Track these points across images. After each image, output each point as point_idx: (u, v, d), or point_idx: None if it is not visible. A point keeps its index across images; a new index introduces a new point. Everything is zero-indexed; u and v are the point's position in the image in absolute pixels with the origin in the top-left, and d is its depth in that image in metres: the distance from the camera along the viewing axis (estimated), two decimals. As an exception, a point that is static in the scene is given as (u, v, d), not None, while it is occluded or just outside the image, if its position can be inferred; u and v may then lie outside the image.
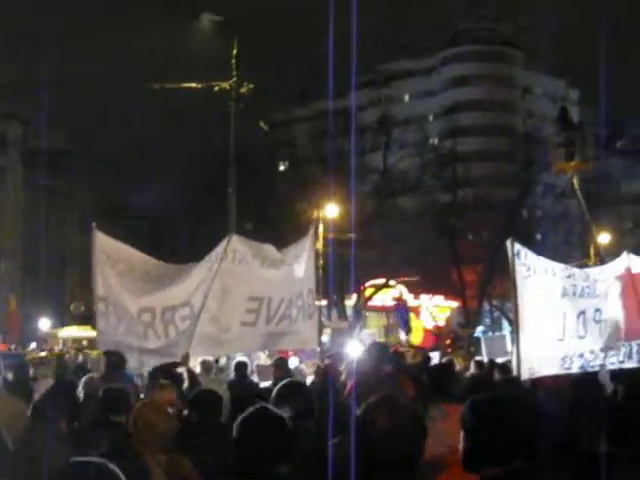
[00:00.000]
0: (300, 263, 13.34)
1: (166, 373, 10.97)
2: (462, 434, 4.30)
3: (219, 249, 12.58)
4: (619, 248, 12.83)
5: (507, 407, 4.32)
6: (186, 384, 11.60)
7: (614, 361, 11.52)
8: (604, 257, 31.68)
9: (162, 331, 12.15)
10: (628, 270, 11.80)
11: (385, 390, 6.72)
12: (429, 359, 17.03)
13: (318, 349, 16.59)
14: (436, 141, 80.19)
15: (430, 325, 56.17)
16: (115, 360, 11.26)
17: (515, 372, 10.41)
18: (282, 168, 64.19)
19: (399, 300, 50.80)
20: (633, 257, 12.13)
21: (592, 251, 45.03)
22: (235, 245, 12.72)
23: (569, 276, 11.24)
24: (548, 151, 59.39)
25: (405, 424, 4.23)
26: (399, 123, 69.63)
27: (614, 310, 11.69)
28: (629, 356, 11.63)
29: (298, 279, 13.27)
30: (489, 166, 76.23)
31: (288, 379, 8.29)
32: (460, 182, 64.21)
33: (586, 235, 46.06)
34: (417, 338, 46.88)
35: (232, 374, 14.86)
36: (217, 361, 17.40)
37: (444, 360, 20.05)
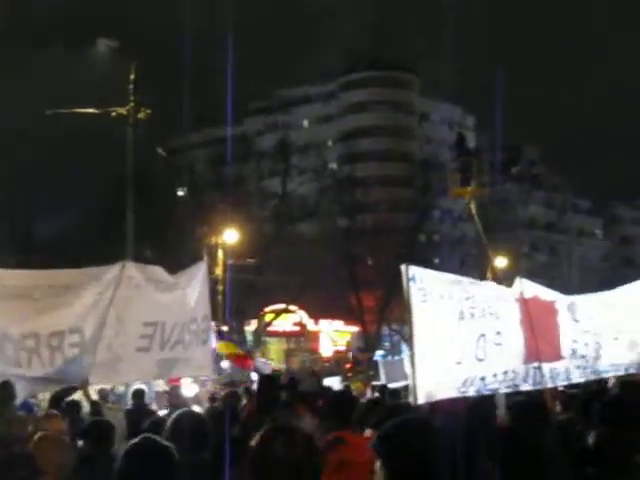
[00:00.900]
0: (194, 287, 13.18)
1: (61, 401, 10.76)
2: (377, 463, 4.25)
3: (109, 275, 12.29)
4: (516, 272, 13.01)
5: (417, 432, 4.29)
6: (86, 411, 11.41)
7: (510, 384, 11.59)
8: (501, 281, 32.08)
9: (47, 358, 11.61)
10: (522, 295, 11.94)
11: (282, 418, 6.66)
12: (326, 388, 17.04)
13: (213, 376, 16.44)
14: (335, 166, 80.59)
15: (330, 350, 56.38)
16: (3, 390, 10.90)
17: (411, 396, 10.40)
18: (181, 194, 63.84)
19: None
20: (525, 281, 12.25)
21: (489, 275, 45.63)
22: (130, 271, 12.49)
23: (468, 298, 11.26)
24: (445, 177, 60.26)
25: (303, 454, 4.15)
26: (298, 148, 69.74)
27: (514, 333, 11.77)
28: (524, 380, 11.73)
29: (192, 303, 13.10)
30: (388, 191, 76.90)
31: (183, 408, 8.17)
32: (359, 207, 64.60)
33: (483, 259, 46.74)
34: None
35: (130, 402, 14.67)
36: (113, 389, 17.17)
37: (343, 385, 20.15)
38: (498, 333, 11.50)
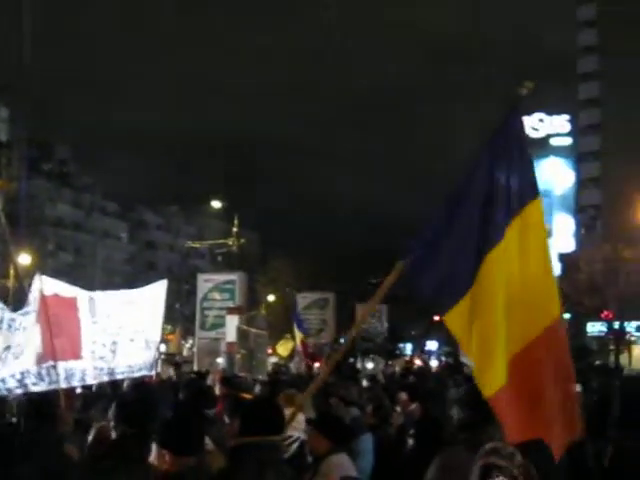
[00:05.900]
0: None
1: None
2: None
3: None
4: (41, 270, 12.84)
5: None
6: None
7: (25, 384, 11.49)
8: (23, 278, 31.65)
9: None
10: (41, 292, 11.84)
11: None
12: None
13: None
14: None
15: None
16: None
17: None
18: None
19: None
20: (45, 278, 12.18)
21: (12, 272, 44.80)
22: None
23: (3, 308, 11.16)
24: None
25: None
26: None
27: (32, 333, 11.67)
28: (39, 379, 11.69)
29: None
30: None
31: None
32: None
33: (6, 255, 45.73)
34: None
35: None
36: None
37: None
38: (9, 347, 11.43)
